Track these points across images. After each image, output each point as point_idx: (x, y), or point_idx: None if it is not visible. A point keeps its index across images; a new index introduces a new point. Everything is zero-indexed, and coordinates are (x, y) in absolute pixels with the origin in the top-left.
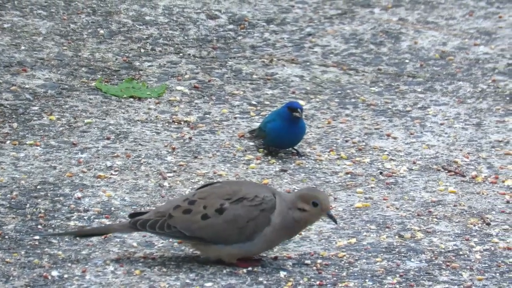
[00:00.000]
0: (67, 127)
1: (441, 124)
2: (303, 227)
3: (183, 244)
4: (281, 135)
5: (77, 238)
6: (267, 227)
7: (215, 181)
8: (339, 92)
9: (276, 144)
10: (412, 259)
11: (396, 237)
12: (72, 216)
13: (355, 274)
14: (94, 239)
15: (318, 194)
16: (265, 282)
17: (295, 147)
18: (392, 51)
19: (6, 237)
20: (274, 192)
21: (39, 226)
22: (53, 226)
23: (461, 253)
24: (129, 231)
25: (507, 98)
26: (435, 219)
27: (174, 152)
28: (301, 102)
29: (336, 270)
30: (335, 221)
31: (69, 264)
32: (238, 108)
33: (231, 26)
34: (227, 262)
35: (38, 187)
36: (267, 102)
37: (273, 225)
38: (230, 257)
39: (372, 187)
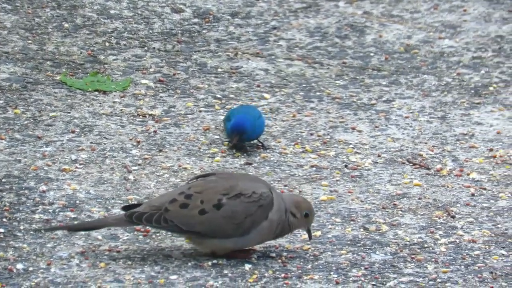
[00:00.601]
0: (32, 120)
1: (406, 117)
2: (291, 231)
3: (179, 236)
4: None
5: (71, 232)
6: (264, 221)
7: (208, 172)
8: (304, 85)
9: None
10: (377, 252)
11: (361, 230)
12: (37, 209)
13: (320, 266)
14: (59, 232)
15: (311, 206)
16: (230, 274)
17: (260, 140)
18: (357, 44)
19: None
20: (269, 187)
21: (4, 219)
22: (18, 219)
23: (426, 245)
24: (125, 224)
25: (472, 91)
26: (400, 212)
27: (139, 146)
28: (266, 96)
29: (301, 263)
30: (310, 237)
31: (34, 257)
32: (203, 101)
33: (195, 20)
34: (219, 255)
35: (3, 180)
36: (232, 96)
37: (270, 220)
38: (224, 250)
39: (337, 180)
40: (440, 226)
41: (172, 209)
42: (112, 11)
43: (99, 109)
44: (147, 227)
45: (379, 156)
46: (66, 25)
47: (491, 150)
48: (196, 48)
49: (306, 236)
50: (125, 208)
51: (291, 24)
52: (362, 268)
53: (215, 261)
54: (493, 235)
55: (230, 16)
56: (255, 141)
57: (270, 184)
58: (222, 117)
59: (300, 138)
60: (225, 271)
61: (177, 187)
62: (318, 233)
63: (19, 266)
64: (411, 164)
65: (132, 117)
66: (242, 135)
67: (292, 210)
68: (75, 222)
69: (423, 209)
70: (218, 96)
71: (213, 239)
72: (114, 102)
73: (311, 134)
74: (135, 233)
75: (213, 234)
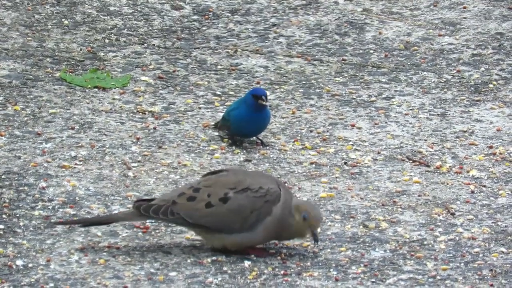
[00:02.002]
0: (31, 117)
1: (406, 114)
2: (293, 235)
3: (187, 230)
4: (245, 122)
5: (82, 227)
6: (268, 216)
7: (221, 168)
8: (304, 82)
9: (240, 132)
10: (377, 249)
11: (361, 227)
12: (37, 205)
13: (320, 263)
14: (59, 228)
15: (311, 209)
16: (229, 271)
17: (260, 137)
18: (357, 41)
19: None
20: (279, 183)
21: (4, 216)
22: (17, 215)
23: (425, 243)
24: (133, 218)
25: (472, 89)
26: (400, 209)
27: (138, 142)
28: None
29: (301, 260)
30: (316, 241)
31: (34, 254)
32: (202, 98)
33: (195, 17)
34: (232, 250)
35: (3, 176)
36: (231, 93)
37: (274, 215)
38: (234, 246)
39: (336, 177)
40: (439, 224)
41: (180, 201)
42: (111, 8)
43: (99, 105)
44: (155, 220)
45: (378, 153)
46: (66, 22)
47: (491, 147)
48: (196, 45)
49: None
50: (137, 203)
51: (291, 21)
52: (362, 265)
53: (214, 258)
54: (492, 232)
55: (230, 13)
56: (254, 138)
57: (280, 181)
58: (222, 114)
59: (299, 135)
60: (225, 268)
61: (176, 183)
62: (318, 230)
63: (19, 262)
64: (411, 161)
65: (131, 114)
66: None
67: (293, 212)
68: (88, 217)
69: (423, 206)
70: (218, 93)
71: (219, 233)
72: (113, 98)
73: (311, 131)
74: (135, 229)
75: (218, 228)
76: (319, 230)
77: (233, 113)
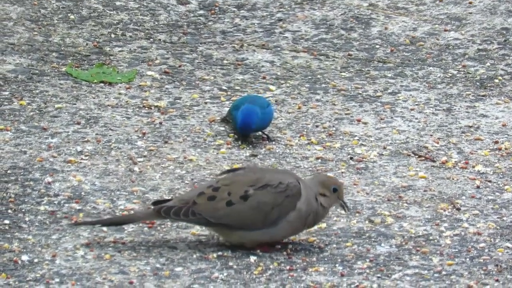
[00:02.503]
0: (37, 112)
1: (412, 109)
2: (326, 214)
3: (207, 229)
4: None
5: (103, 227)
6: (291, 212)
7: (237, 167)
8: (310, 77)
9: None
10: (382, 244)
11: (366, 222)
12: (42, 200)
13: (325, 259)
14: (64, 223)
15: (336, 180)
16: (235, 266)
17: (266, 132)
18: (363, 36)
19: None
20: (297, 178)
21: (9, 211)
22: (23, 210)
23: (431, 238)
24: (153, 219)
25: (477, 84)
26: (405, 204)
27: (144, 137)
28: (271, 88)
29: (306, 255)
30: (347, 209)
31: (39, 249)
32: (208, 93)
33: (201, 12)
34: (248, 247)
35: (8, 171)
36: (237, 87)
37: (298, 210)
38: (253, 243)
39: (342, 172)
40: (445, 219)
41: (200, 202)
42: (117, 3)
43: (105, 100)
44: (176, 221)
45: (384, 148)
46: (72, 16)
47: (496, 142)
48: (202, 40)
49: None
50: (155, 204)
51: (297, 16)
52: (367, 260)
53: (220, 253)
54: (498, 227)
55: (236, 8)
56: (260, 133)
57: (298, 176)
58: (227, 109)
59: (305, 130)
60: (230, 263)
61: (182, 178)
62: (324, 225)
63: (24, 257)
64: (417, 156)
65: (137, 109)
66: (249, 131)
67: (321, 191)
68: (106, 217)
69: (428, 202)
70: (224, 88)
71: (241, 231)
72: (119, 93)
73: (317, 126)
74: (140, 225)
75: (240, 225)
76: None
77: (234, 113)
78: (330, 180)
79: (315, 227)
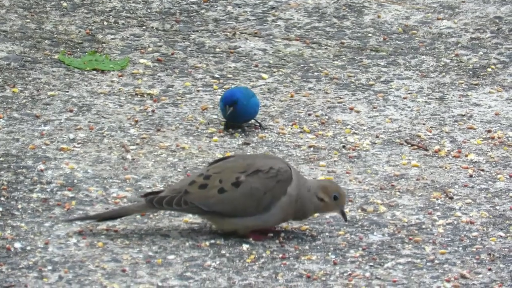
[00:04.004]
0: (30, 99)
1: (404, 98)
2: (313, 214)
3: (200, 217)
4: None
5: (98, 222)
6: (283, 196)
7: (228, 155)
8: (302, 65)
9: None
10: (375, 233)
11: (359, 210)
12: (35, 188)
13: (318, 247)
14: (57, 211)
15: (339, 189)
16: (227, 255)
17: (258, 121)
18: (355, 25)
19: None
20: (288, 164)
21: (2, 198)
22: (15, 198)
23: (424, 227)
24: (146, 210)
25: (470, 73)
26: (398, 193)
27: (137, 125)
28: (264, 76)
29: (299, 244)
30: (345, 219)
31: (32, 236)
32: (201, 81)
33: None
34: (241, 234)
35: (1, 159)
36: (230, 76)
37: (289, 195)
38: (246, 229)
39: (335, 161)
40: (438, 208)
41: (192, 190)
42: None
43: (97, 88)
44: (168, 211)
45: (377, 136)
46: (64, 4)
47: (489, 131)
48: (195, 28)
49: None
50: (146, 195)
51: (289, 4)
52: (360, 249)
53: (212, 241)
54: (491, 216)
55: None
56: (253, 121)
57: (288, 162)
58: (220, 97)
59: (298, 119)
60: (223, 251)
61: (174, 166)
62: (316, 214)
63: (17, 245)
64: (409, 145)
65: (130, 97)
66: (236, 104)
67: (319, 195)
68: (102, 212)
69: (421, 190)
70: (216, 76)
71: (234, 218)
72: (112, 81)
73: (309, 115)
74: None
75: (233, 212)
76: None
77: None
78: (332, 187)
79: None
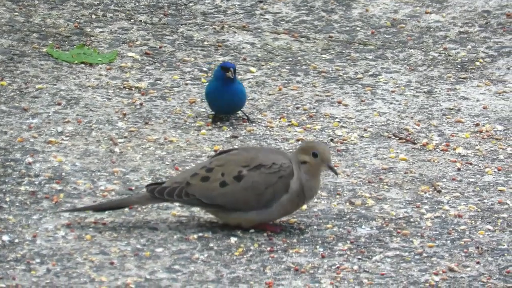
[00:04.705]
0: (18, 92)
1: (392, 91)
2: (314, 184)
3: (201, 210)
4: (216, 95)
5: (96, 212)
6: (285, 194)
7: (231, 148)
8: (290, 59)
9: (214, 108)
10: (363, 226)
11: (347, 204)
12: (23, 181)
13: (306, 240)
14: (45, 203)
15: (316, 145)
16: (215, 248)
17: (246, 114)
18: (343, 18)
19: None
20: (290, 158)
21: None
22: (3, 191)
23: (412, 220)
24: (147, 202)
25: (458, 66)
26: (386, 186)
27: (125, 118)
28: (252, 69)
29: (287, 237)
30: (335, 172)
31: (20, 229)
32: (189, 74)
33: None
34: (246, 227)
35: None
36: None
37: (291, 192)
38: (249, 223)
39: None
40: (426, 201)
41: (194, 182)
42: None
43: (85, 81)
44: (169, 202)
45: (365, 130)
46: None
47: (477, 125)
48: (183, 21)
49: None
50: (148, 186)
51: None
52: (348, 242)
53: (200, 234)
54: (479, 210)
55: None
56: (241, 113)
57: (290, 155)
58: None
59: (286, 112)
60: (211, 244)
61: (162, 159)
62: (304, 206)
63: (5, 237)
64: (397, 139)
65: (118, 90)
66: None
67: (300, 158)
68: (99, 202)
69: (409, 184)
70: (204, 69)
71: (235, 212)
72: (100, 74)
73: (297, 108)
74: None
75: (234, 206)
76: (332, 163)
77: (206, 88)
78: (308, 145)
79: (311, 202)
